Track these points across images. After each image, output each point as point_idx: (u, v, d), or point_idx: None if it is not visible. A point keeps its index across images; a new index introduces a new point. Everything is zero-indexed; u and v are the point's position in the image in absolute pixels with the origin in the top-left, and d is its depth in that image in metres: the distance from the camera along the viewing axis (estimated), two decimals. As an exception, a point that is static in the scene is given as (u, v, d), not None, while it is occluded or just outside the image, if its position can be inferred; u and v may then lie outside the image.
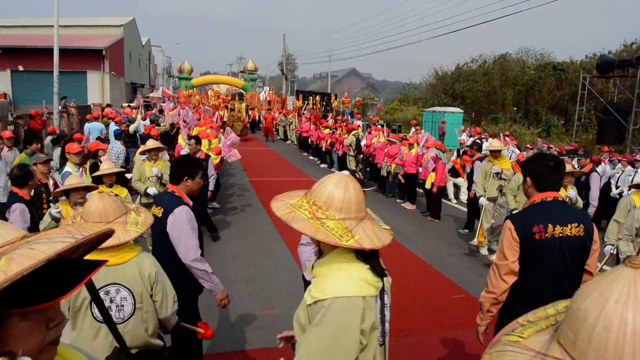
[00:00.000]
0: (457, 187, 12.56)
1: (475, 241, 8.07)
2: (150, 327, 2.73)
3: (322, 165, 17.84)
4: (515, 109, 30.57)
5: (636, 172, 9.50)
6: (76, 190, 4.47)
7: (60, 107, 17.85)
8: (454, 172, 12.21)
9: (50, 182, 6.00)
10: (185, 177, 3.50)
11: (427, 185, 10.24)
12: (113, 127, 12.87)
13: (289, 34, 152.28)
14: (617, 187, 9.54)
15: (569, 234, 2.80)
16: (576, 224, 2.81)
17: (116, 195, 2.84)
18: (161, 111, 17.30)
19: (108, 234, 1.07)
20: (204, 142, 9.26)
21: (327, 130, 17.60)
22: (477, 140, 11.75)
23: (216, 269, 3.87)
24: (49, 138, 11.24)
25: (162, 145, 7.37)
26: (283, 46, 49.14)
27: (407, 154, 11.27)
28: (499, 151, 8.00)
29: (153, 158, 7.06)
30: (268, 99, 36.26)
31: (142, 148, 7.42)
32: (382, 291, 1.89)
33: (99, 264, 1.01)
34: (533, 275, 2.81)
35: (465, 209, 10.04)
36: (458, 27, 52.65)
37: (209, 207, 9.40)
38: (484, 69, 34.41)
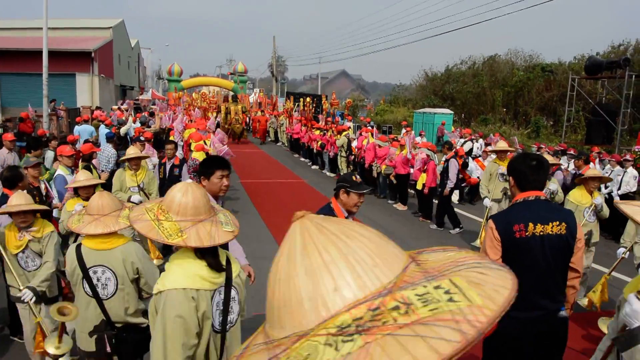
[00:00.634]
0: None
1: (477, 242, 8.06)
2: (130, 307, 3.16)
3: (314, 167, 17.81)
4: (504, 110, 30.70)
5: (625, 172, 9.63)
6: (17, 214, 3.84)
7: (49, 110, 17.72)
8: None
9: (42, 186, 5.97)
10: (202, 177, 3.49)
11: (419, 186, 10.27)
12: (103, 129, 12.78)
13: (279, 36, 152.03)
14: (606, 187, 9.64)
15: (550, 233, 2.82)
16: (557, 223, 2.83)
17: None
18: (152, 114, 17.22)
19: None
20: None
21: (318, 132, 17.58)
22: (449, 140, 11.83)
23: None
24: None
25: (142, 155, 7.00)
26: (273, 48, 49.02)
27: (398, 155, 11.33)
28: (505, 152, 7.77)
29: (134, 167, 6.63)
30: (258, 101, 36.11)
31: (123, 158, 6.93)
32: (227, 285, 2.23)
33: None
34: (516, 273, 2.83)
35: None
36: (447, 29, 52.90)
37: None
38: (474, 71, 34.53)
